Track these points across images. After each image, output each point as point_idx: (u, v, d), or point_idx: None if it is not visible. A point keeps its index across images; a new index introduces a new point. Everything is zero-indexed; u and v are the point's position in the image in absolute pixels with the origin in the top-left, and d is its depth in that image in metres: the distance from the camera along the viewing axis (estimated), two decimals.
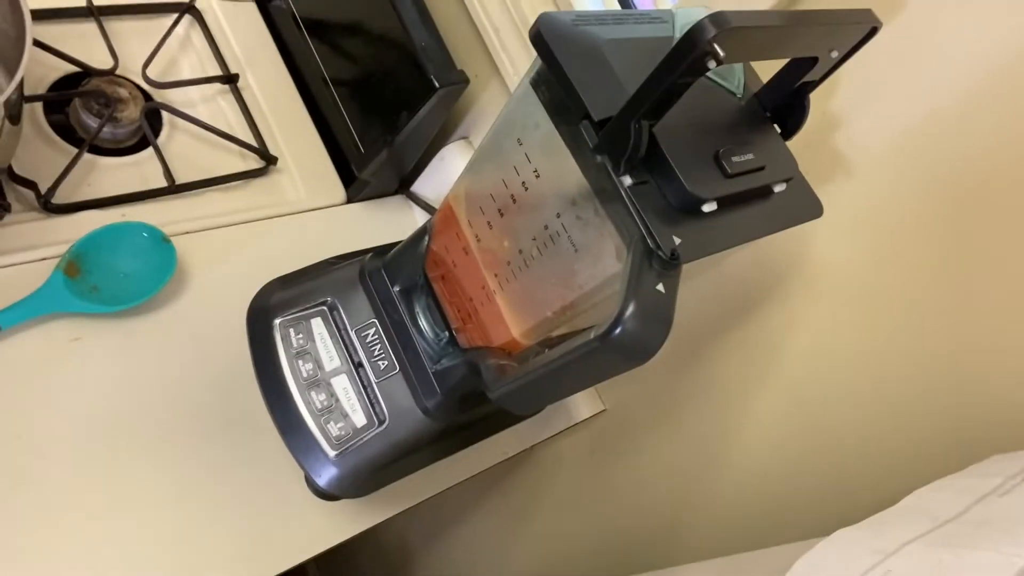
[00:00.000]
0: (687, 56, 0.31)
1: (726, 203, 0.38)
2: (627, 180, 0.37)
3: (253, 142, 0.74)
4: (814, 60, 0.38)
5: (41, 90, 0.66)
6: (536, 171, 0.42)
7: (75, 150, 0.64)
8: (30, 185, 0.61)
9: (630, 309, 0.34)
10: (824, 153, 0.52)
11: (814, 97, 0.41)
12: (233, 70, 0.76)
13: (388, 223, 0.79)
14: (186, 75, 0.74)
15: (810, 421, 0.59)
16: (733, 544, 0.66)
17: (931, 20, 0.46)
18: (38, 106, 0.65)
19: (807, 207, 0.43)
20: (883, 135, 0.50)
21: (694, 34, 0.31)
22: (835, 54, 0.38)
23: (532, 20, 0.71)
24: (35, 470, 0.53)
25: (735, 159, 0.39)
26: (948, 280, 0.49)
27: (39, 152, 0.64)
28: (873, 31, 0.38)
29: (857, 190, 0.52)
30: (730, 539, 0.66)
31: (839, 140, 0.52)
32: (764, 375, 0.61)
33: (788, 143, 0.43)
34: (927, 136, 0.48)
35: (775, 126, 0.43)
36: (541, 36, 0.37)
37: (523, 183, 0.43)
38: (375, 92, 0.71)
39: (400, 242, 0.58)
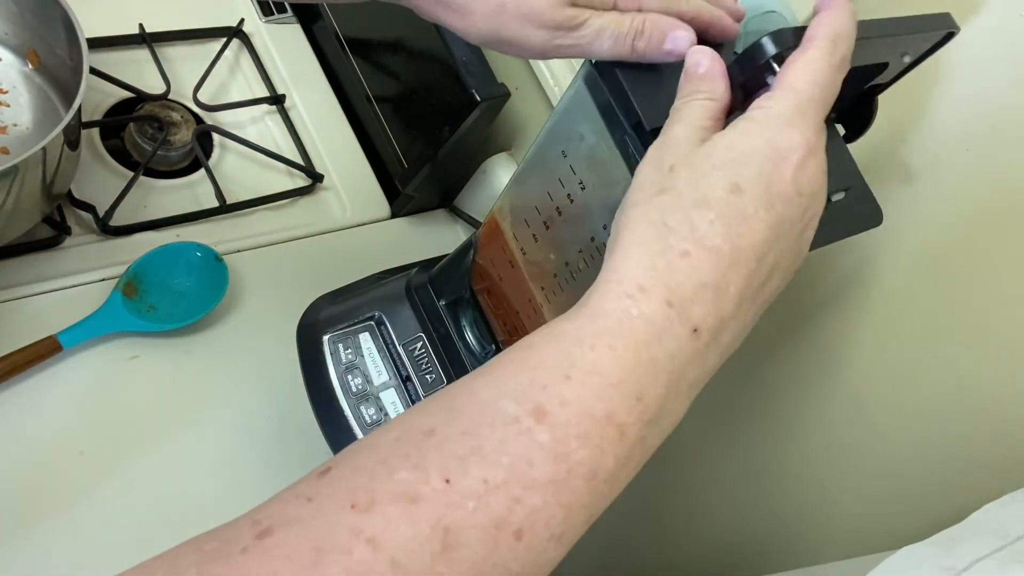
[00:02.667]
0: (747, 73, 0.31)
1: None
2: None
3: (300, 161, 0.75)
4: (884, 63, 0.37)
5: (97, 116, 0.68)
6: (582, 183, 0.42)
7: (131, 173, 0.66)
8: (89, 208, 0.63)
9: None
10: (886, 155, 0.51)
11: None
12: (280, 91, 0.78)
13: (432, 237, 0.80)
14: (235, 97, 0.76)
15: (870, 432, 0.57)
16: (790, 559, 0.64)
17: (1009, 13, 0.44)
18: (95, 131, 0.68)
19: (867, 215, 0.41)
20: (948, 134, 0.47)
21: (754, 53, 0.30)
22: (907, 59, 0.37)
23: None
24: (98, 486, 0.55)
25: None
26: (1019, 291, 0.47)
27: (97, 176, 0.66)
28: (949, 36, 0.36)
29: (919, 195, 0.50)
30: (787, 554, 0.65)
31: (901, 140, 0.50)
32: (820, 386, 0.59)
33: (851, 145, 0.41)
34: (998, 134, 0.45)
35: (837, 127, 0.41)
36: None
37: (568, 195, 0.43)
38: (417, 108, 0.72)
39: (445, 256, 0.59)
